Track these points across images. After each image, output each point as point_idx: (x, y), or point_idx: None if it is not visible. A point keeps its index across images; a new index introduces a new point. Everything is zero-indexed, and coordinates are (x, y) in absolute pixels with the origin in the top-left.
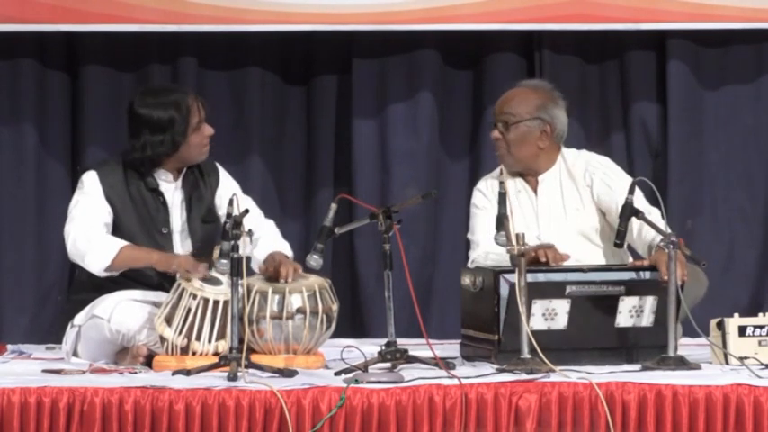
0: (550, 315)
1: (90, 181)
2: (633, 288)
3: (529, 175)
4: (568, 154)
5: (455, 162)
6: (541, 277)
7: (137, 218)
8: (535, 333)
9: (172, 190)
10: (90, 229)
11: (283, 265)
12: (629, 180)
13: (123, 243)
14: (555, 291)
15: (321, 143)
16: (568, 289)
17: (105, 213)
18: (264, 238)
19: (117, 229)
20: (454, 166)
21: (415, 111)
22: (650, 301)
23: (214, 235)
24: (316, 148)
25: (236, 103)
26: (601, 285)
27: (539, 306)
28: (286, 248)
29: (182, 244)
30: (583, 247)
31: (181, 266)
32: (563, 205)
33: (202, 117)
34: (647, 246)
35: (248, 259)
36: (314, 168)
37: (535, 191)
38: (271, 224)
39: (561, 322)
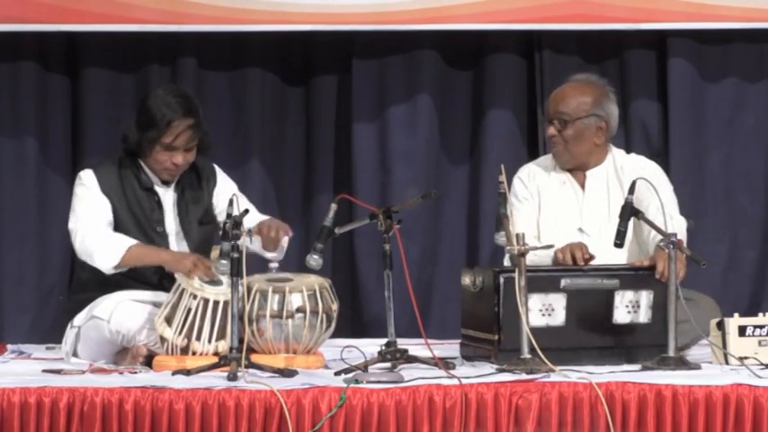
0: (548, 311)
1: (88, 178)
2: (627, 282)
3: (577, 169)
4: (618, 153)
5: (455, 162)
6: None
7: (132, 217)
8: (534, 330)
9: (165, 191)
10: (97, 227)
11: (273, 227)
12: (669, 188)
13: (132, 242)
14: (550, 284)
15: (321, 143)
16: (563, 282)
17: (107, 210)
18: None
19: (114, 227)
20: (454, 166)
21: (415, 111)
22: (645, 296)
23: (211, 236)
24: (315, 148)
25: (235, 104)
26: (595, 278)
27: (535, 300)
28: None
29: (177, 245)
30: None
31: (193, 268)
32: (608, 202)
33: (180, 144)
34: (656, 246)
35: (248, 254)
36: (313, 168)
37: (582, 185)
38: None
39: (559, 318)
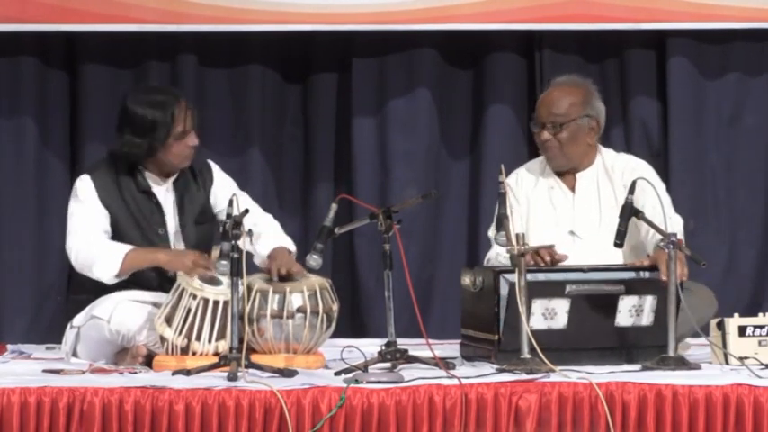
0: (550, 314)
1: (84, 186)
2: (633, 287)
3: (568, 172)
4: (607, 153)
5: (455, 162)
6: (541, 276)
7: (132, 220)
8: (535, 332)
9: (163, 192)
10: (91, 240)
11: (285, 263)
12: (662, 187)
13: (127, 248)
14: (555, 290)
15: (321, 142)
16: (568, 288)
17: (103, 219)
18: (266, 233)
19: (114, 233)
20: (454, 166)
21: (415, 110)
22: (650, 301)
23: (209, 236)
24: (315, 148)
25: (235, 102)
26: (600, 284)
27: (538, 305)
28: (289, 243)
29: (176, 246)
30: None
31: (193, 266)
32: (599, 203)
33: (189, 126)
34: (655, 246)
35: (249, 255)
36: (313, 167)
37: (572, 188)
38: (270, 218)
39: (561, 321)
